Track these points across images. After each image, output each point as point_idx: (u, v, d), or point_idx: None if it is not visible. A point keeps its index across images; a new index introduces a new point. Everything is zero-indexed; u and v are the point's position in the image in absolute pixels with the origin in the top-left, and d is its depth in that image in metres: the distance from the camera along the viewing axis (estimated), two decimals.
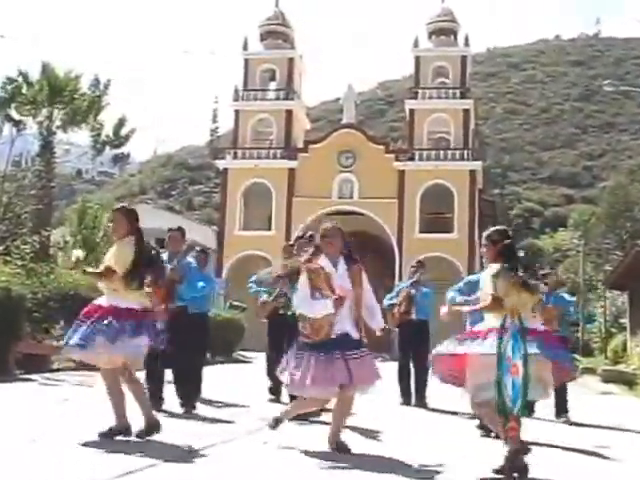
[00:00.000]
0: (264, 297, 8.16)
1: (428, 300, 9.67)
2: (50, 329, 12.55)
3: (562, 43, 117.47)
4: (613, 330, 34.43)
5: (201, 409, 7.53)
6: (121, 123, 26.54)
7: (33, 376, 10.19)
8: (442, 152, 38.10)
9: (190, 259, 7.60)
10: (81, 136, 27.11)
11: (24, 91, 24.78)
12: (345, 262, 5.48)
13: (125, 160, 30.22)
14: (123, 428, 5.30)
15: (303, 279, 5.42)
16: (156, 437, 5.43)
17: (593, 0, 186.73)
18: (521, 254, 6.62)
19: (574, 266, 47.35)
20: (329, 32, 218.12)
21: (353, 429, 6.68)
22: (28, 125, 25.64)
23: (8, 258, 14.12)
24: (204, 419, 6.86)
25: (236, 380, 11.82)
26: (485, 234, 5.15)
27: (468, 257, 35.52)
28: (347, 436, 6.22)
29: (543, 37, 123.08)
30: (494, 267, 4.90)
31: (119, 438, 5.23)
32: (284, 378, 5.50)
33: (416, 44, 40.17)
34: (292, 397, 6.59)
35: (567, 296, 9.17)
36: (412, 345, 9.57)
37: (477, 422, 6.62)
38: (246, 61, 40.74)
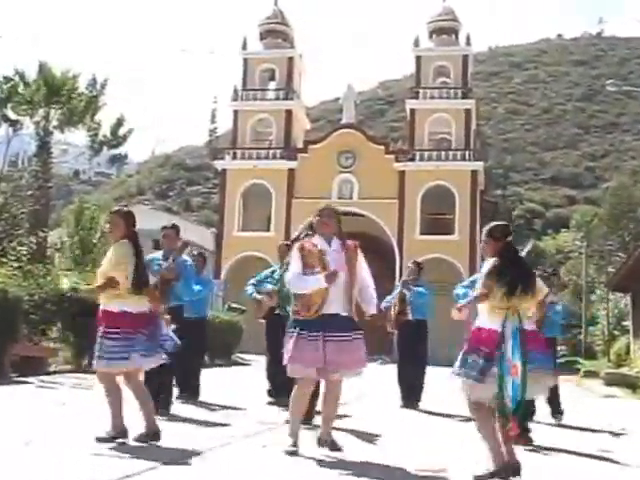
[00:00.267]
0: (269, 287, 8.13)
1: (423, 300, 9.64)
2: (47, 331, 12.54)
3: (564, 42, 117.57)
4: (616, 333, 34.42)
5: (200, 412, 7.52)
6: (119, 123, 26.60)
7: (29, 379, 10.17)
8: (443, 152, 38.13)
9: (186, 257, 7.58)
10: (78, 136, 27.22)
11: (21, 91, 24.83)
12: (340, 241, 5.45)
13: (123, 160, 30.41)
14: (120, 430, 5.30)
15: (295, 257, 5.41)
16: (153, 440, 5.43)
17: None
18: (523, 253, 6.63)
19: (576, 268, 47.31)
20: (329, 32, 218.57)
21: (352, 432, 6.68)
22: (25, 125, 25.71)
23: (4, 259, 14.13)
24: (203, 422, 6.86)
25: (235, 383, 11.82)
26: (486, 229, 5.11)
27: (469, 259, 35.52)
28: (346, 439, 6.22)
29: (545, 36, 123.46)
30: (490, 262, 4.89)
31: (117, 441, 5.23)
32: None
33: (417, 43, 40.20)
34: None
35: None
36: (410, 346, 9.55)
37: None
38: (245, 60, 40.77)
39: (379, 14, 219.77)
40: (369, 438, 6.47)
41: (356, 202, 36.98)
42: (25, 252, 15.93)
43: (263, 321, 8.39)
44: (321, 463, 5.02)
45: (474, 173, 37.36)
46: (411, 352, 9.56)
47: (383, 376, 12.47)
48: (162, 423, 6.60)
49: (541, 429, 7.07)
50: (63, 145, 28.21)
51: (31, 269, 14.16)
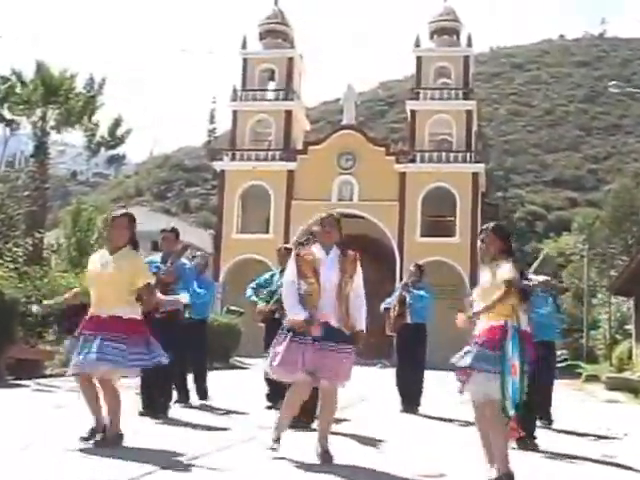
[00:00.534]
0: (261, 305, 8.21)
1: (423, 303, 9.64)
2: (43, 334, 12.55)
3: (566, 43, 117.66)
4: (618, 337, 34.40)
5: (198, 416, 7.52)
6: (117, 123, 26.59)
7: (26, 382, 10.17)
8: (444, 154, 38.14)
9: (185, 260, 7.59)
10: (76, 137, 27.17)
11: (18, 90, 24.83)
12: (340, 251, 5.44)
13: (120, 161, 30.32)
14: (101, 428, 5.31)
15: (291, 264, 5.43)
16: (152, 444, 5.43)
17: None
18: (536, 262, 6.74)
19: (578, 271, 47.30)
20: (329, 32, 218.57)
21: (352, 437, 6.68)
22: (22, 125, 25.71)
23: (0, 261, 14.12)
24: (201, 426, 6.85)
25: (233, 387, 11.81)
26: (489, 226, 5.09)
27: (470, 261, 35.50)
28: (346, 444, 6.22)
29: (547, 37, 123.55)
30: (507, 267, 4.88)
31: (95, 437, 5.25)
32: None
33: (418, 44, 40.21)
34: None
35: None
36: (409, 349, 9.53)
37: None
38: (245, 60, 40.78)
39: (379, 14, 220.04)
40: (368, 443, 6.47)
41: (356, 204, 36.97)
42: (21, 253, 15.95)
43: (262, 324, 8.40)
44: (320, 468, 5.02)
45: (475, 175, 37.37)
46: (410, 356, 9.54)
47: (383, 380, 12.47)
48: (161, 427, 6.61)
49: (543, 434, 7.07)
50: (60, 146, 28.21)
51: (27, 271, 14.18)
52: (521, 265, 5.02)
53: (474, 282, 29.67)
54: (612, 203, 51.89)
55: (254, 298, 8.44)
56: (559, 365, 10.66)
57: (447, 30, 41.22)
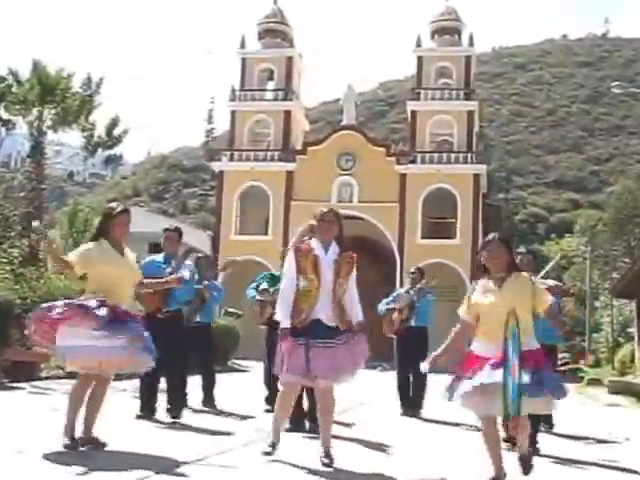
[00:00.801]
0: (264, 285, 8.11)
1: (431, 307, 9.65)
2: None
3: (569, 43, 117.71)
4: (620, 340, 34.39)
5: (196, 419, 7.52)
6: (114, 123, 26.54)
7: (21, 384, 10.17)
8: (445, 155, 38.16)
9: (189, 262, 7.60)
10: (72, 137, 27.14)
11: (14, 90, 24.78)
12: (338, 248, 5.43)
13: (117, 161, 30.22)
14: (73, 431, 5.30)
15: (291, 259, 5.41)
16: (149, 448, 5.44)
17: None
18: (547, 268, 6.80)
19: (580, 273, 47.28)
20: (329, 32, 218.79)
21: (352, 440, 6.69)
22: (18, 125, 25.66)
23: None
24: (199, 429, 6.85)
25: (232, 390, 11.80)
26: (497, 237, 5.07)
27: (471, 263, 35.49)
28: (346, 448, 6.22)
29: (550, 37, 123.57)
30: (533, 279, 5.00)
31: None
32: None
33: (418, 43, 40.25)
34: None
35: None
36: (411, 352, 9.49)
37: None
38: (243, 60, 40.81)
39: (379, 14, 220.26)
40: (368, 446, 6.47)
41: (356, 205, 36.99)
42: (17, 255, 15.93)
43: (264, 327, 8.39)
44: (319, 472, 5.02)
45: (476, 176, 37.39)
46: (411, 359, 9.49)
47: (383, 383, 12.47)
48: (158, 430, 6.62)
49: (544, 438, 7.08)
50: (57, 146, 28.18)
51: (23, 272, 14.17)
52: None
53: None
54: (615, 205, 51.91)
55: (258, 297, 8.37)
56: (560, 368, 10.66)
57: (448, 30, 41.25)
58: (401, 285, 32.80)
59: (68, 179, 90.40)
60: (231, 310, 22.50)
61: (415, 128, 38.79)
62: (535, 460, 5.39)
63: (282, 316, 5.32)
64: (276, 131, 39.57)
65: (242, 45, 41.01)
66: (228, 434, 6.70)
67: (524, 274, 5.04)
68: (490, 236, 5.09)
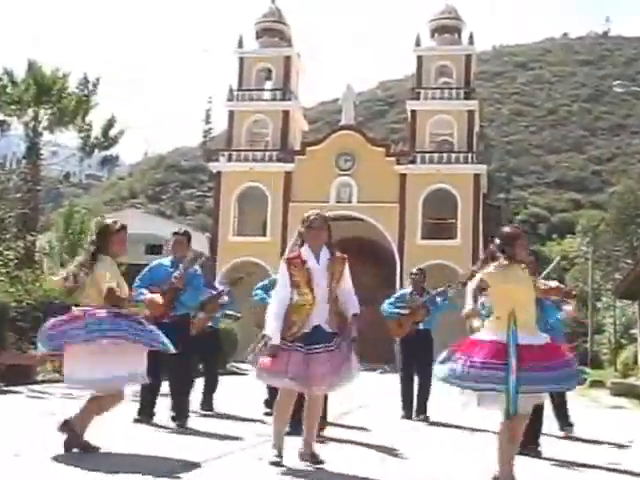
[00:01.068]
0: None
1: (441, 312, 9.64)
2: (35, 339, 12.50)
3: (570, 42, 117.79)
4: (623, 341, 34.43)
5: (195, 423, 7.51)
6: (110, 124, 26.55)
7: (17, 388, 10.16)
8: (445, 155, 38.15)
9: (197, 267, 7.59)
10: (69, 137, 27.17)
11: (9, 90, 24.80)
12: (329, 253, 5.40)
13: (114, 162, 30.23)
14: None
15: (283, 272, 5.36)
16: (147, 452, 5.43)
17: None
18: (547, 269, 6.84)
19: (582, 274, 47.32)
20: (328, 31, 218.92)
21: (352, 443, 6.68)
22: (13, 126, 25.69)
23: None
24: (198, 433, 6.85)
25: (232, 393, 11.79)
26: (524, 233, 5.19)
27: (471, 264, 35.48)
28: (346, 450, 6.22)
29: (550, 35, 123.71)
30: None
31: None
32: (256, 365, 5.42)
33: (418, 42, 40.24)
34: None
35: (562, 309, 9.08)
36: (416, 355, 9.46)
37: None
38: (241, 60, 40.80)
39: (378, 13, 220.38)
40: (369, 449, 6.46)
41: (355, 206, 36.99)
42: (13, 257, 15.92)
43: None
44: (318, 476, 5.01)
45: (477, 176, 37.38)
46: (418, 362, 9.46)
47: (384, 386, 12.47)
48: (156, 434, 6.61)
49: (546, 441, 7.08)
50: (53, 147, 28.19)
51: (19, 275, 14.18)
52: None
53: None
54: (617, 205, 51.98)
55: (263, 296, 8.32)
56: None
57: (448, 28, 41.25)
58: (401, 286, 32.85)
59: (64, 180, 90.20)
60: (229, 312, 22.51)
61: (415, 128, 38.78)
62: (538, 463, 5.41)
63: (272, 331, 5.24)
64: (274, 131, 39.57)
65: (240, 44, 41.01)
66: (228, 438, 6.70)
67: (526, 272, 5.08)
68: (515, 228, 5.19)
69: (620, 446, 7.89)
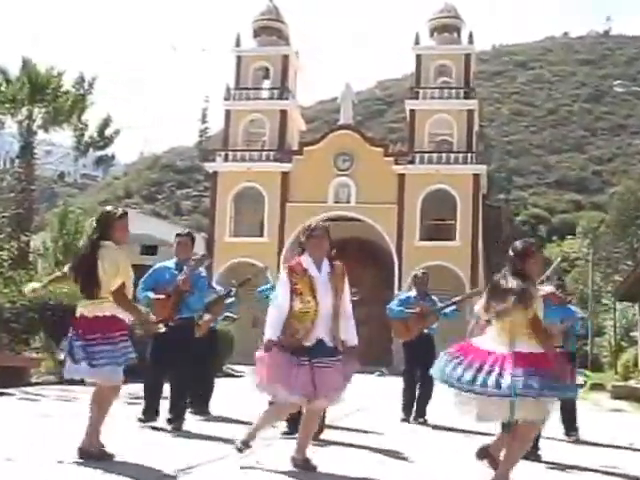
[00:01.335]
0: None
1: (446, 318, 9.65)
2: (29, 340, 12.51)
3: (570, 41, 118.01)
4: (624, 344, 34.44)
5: (193, 426, 7.50)
6: (106, 123, 26.52)
7: (11, 390, 10.14)
8: (444, 155, 38.15)
9: (202, 269, 7.58)
10: (63, 136, 27.12)
11: (3, 88, 24.74)
12: (329, 265, 5.41)
13: (109, 162, 30.17)
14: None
15: (284, 281, 5.36)
16: (143, 454, 5.42)
17: None
18: (548, 272, 6.84)
19: (582, 276, 47.40)
20: (327, 30, 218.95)
21: (350, 446, 6.68)
22: (7, 124, 25.63)
23: None
24: (196, 436, 6.84)
25: (228, 395, 11.78)
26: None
27: (471, 266, 35.55)
28: (345, 453, 6.21)
29: (550, 34, 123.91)
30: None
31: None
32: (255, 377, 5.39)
33: (417, 41, 40.24)
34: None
35: (578, 310, 9.13)
36: (419, 359, 9.45)
37: None
38: (238, 58, 40.77)
39: (377, 12, 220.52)
40: (367, 452, 6.46)
41: (353, 206, 36.98)
42: (6, 257, 15.87)
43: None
44: (318, 479, 5.01)
45: (476, 177, 37.37)
46: (420, 365, 9.44)
47: (381, 389, 12.46)
48: (154, 436, 6.60)
49: (547, 444, 7.08)
50: (47, 146, 28.19)
51: (13, 275, 14.14)
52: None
53: (475, 287, 29.60)
54: (617, 206, 52.10)
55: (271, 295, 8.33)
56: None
57: (448, 27, 41.26)
58: (399, 288, 32.86)
59: (59, 180, 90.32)
60: (226, 314, 22.46)
61: (414, 127, 38.77)
62: (537, 466, 5.41)
63: (271, 332, 5.25)
64: (271, 131, 39.53)
65: (237, 43, 40.99)
66: (224, 440, 6.68)
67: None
68: (529, 244, 5.12)
69: (620, 449, 7.89)
